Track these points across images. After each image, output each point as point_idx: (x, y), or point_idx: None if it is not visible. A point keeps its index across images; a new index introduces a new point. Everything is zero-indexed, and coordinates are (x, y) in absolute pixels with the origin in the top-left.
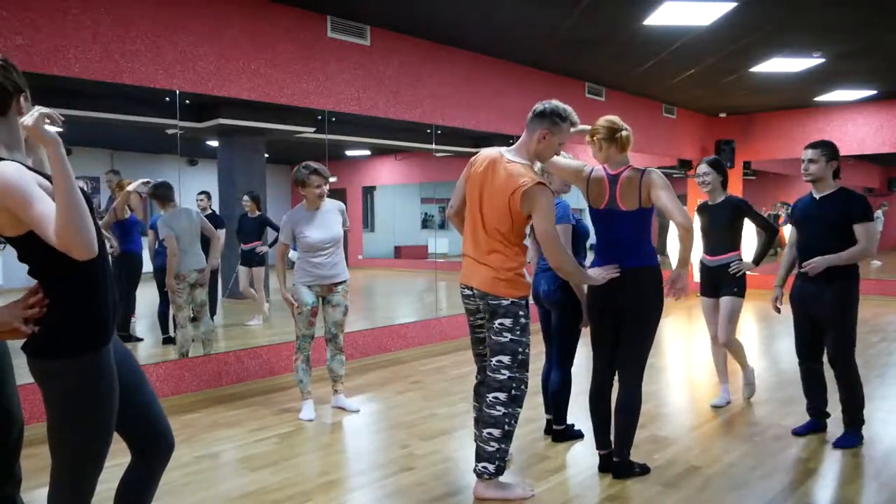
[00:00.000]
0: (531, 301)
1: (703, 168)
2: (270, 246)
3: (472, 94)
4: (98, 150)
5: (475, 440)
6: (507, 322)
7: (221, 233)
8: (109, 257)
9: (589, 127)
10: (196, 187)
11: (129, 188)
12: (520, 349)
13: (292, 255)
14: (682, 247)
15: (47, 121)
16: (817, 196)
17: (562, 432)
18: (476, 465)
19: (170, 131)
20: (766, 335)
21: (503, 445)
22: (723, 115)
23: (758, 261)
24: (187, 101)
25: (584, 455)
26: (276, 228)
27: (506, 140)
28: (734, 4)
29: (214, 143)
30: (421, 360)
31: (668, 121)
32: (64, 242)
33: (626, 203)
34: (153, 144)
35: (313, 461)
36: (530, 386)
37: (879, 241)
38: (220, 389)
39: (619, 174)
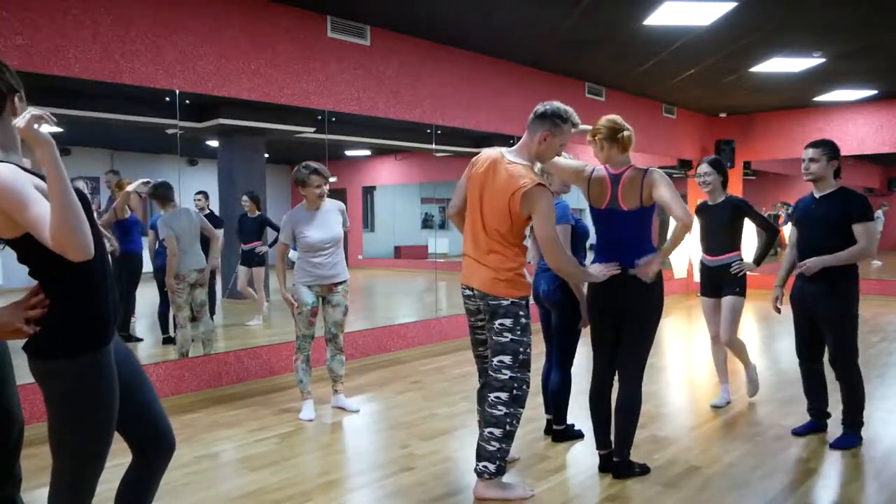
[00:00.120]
0: (531, 301)
1: (703, 168)
2: (270, 246)
3: (472, 94)
4: (98, 150)
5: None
6: (508, 322)
7: (220, 233)
8: (109, 257)
9: (590, 127)
10: (196, 187)
11: (129, 188)
12: (521, 349)
13: (292, 255)
14: (674, 237)
15: (40, 121)
16: (818, 195)
17: (562, 432)
18: (477, 465)
19: (170, 131)
20: (767, 335)
21: (504, 445)
22: (723, 115)
23: (759, 261)
24: (187, 101)
25: (584, 455)
26: (276, 228)
27: (506, 140)
28: (734, 4)
29: (214, 143)
30: (421, 360)
31: (668, 121)
32: (59, 244)
33: (627, 202)
34: (153, 144)
35: (313, 461)
36: (530, 386)
37: (879, 241)
38: (220, 389)
39: (621, 174)
